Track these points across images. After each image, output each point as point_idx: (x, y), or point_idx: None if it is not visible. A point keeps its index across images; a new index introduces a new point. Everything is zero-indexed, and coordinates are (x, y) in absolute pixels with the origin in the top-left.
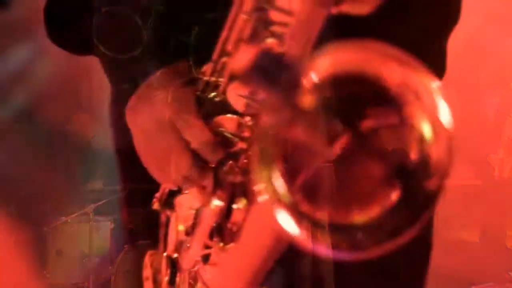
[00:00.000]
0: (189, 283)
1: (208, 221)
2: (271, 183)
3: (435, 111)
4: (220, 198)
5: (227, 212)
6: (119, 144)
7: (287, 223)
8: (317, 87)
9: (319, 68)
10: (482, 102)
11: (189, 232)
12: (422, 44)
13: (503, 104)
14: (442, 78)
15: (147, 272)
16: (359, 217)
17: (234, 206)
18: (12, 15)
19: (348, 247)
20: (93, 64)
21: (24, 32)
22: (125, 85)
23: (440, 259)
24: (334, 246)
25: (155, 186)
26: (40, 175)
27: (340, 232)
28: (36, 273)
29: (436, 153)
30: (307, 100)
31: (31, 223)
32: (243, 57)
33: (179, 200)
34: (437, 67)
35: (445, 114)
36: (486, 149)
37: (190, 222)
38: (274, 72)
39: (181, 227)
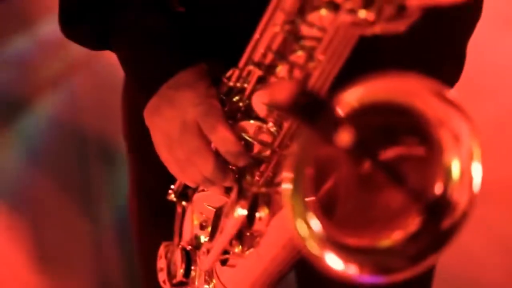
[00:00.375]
0: (205, 280)
1: (231, 230)
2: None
3: (470, 160)
4: (243, 207)
5: (248, 219)
6: (130, 135)
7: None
8: (354, 116)
9: (359, 97)
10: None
11: (204, 226)
12: (445, 46)
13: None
14: (458, 79)
15: (161, 263)
16: (380, 241)
17: (257, 214)
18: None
19: (372, 271)
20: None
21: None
22: (144, 83)
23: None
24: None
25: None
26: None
27: (364, 255)
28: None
29: (457, 198)
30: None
31: None
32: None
33: (198, 197)
34: (458, 69)
35: (477, 172)
36: None
37: (206, 218)
38: (312, 109)
39: (196, 222)
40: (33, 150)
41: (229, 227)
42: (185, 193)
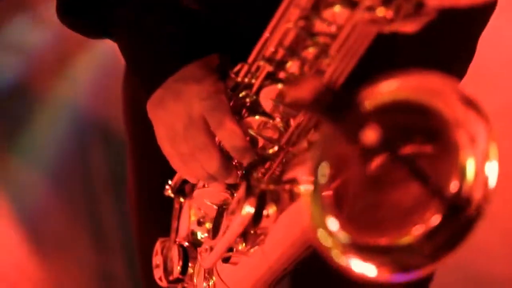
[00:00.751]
0: (205, 277)
1: (237, 228)
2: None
3: (485, 159)
4: (251, 204)
5: (255, 217)
6: (130, 125)
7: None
8: (373, 117)
9: (382, 95)
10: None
11: (202, 222)
12: (459, 42)
13: None
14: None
15: (157, 260)
16: (399, 239)
17: (264, 212)
18: None
19: (391, 270)
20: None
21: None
22: (148, 75)
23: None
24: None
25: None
26: None
27: (383, 254)
28: None
29: (472, 196)
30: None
31: None
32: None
33: (198, 193)
34: (468, 62)
35: (492, 171)
36: None
37: (204, 214)
38: (337, 107)
39: (194, 218)
40: (35, 135)
41: (235, 224)
42: (182, 189)
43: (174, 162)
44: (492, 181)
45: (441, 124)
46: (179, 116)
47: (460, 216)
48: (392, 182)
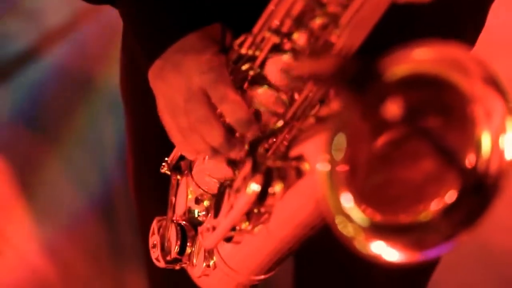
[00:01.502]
0: (205, 257)
1: (243, 206)
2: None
3: (499, 135)
4: (257, 182)
5: (261, 195)
6: (129, 96)
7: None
8: (395, 89)
9: (398, 67)
10: None
11: (200, 200)
12: (472, 11)
13: None
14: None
15: (154, 239)
16: (415, 216)
17: (270, 190)
18: None
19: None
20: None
21: None
22: (149, 44)
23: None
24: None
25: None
26: None
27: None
28: None
29: (488, 171)
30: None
31: None
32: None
33: (200, 169)
34: (479, 30)
35: (509, 145)
36: None
37: (203, 191)
38: (359, 79)
39: (191, 196)
40: (41, 98)
41: (241, 203)
42: (179, 166)
43: (174, 136)
44: (509, 154)
45: (458, 98)
46: (179, 89)
47: (478, 191)
48: (408, 157)
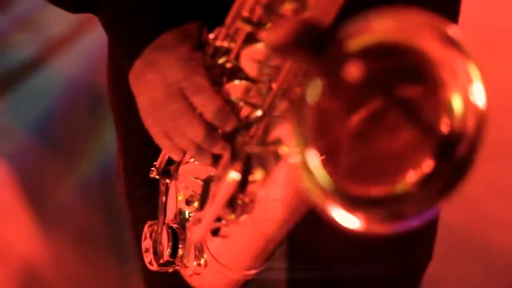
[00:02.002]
0: (195, 255)
1: (225, 194)
2: (305, 158)
3: (469, 90)
4: (236, 169)
5: (242, 184)
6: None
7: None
8: (356, 56)
9: (359, 36)
10: None
11: (190, 202)
12: None
13: None
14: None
15: (146, 244)
16: (390, 188)
17: (251, 177)
18: None
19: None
20: None
21: None
22: (127, 46)
23: None
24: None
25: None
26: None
27: (375, 205)
28: None
29: (466, 129)
30: (346, 70)
31: None
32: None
33: (185, 169)
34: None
35: (479, 94)
36: None
37: (193, 192)
38: (314, 43)
39: (181, 197)
40: (46, 107)
41: (222, 191)
42: (168, 170)
43: (158, 136)
44: (481, 104)
45: (423, 64)
46: (157, 86)
47: (458, 150)
48: (382, 130)
